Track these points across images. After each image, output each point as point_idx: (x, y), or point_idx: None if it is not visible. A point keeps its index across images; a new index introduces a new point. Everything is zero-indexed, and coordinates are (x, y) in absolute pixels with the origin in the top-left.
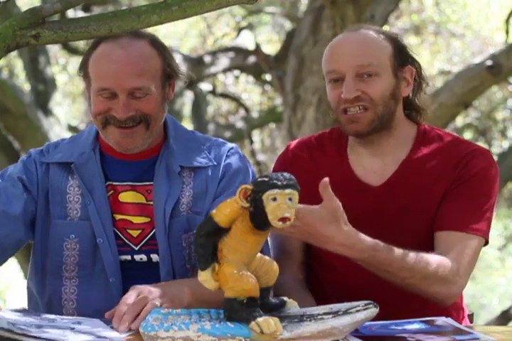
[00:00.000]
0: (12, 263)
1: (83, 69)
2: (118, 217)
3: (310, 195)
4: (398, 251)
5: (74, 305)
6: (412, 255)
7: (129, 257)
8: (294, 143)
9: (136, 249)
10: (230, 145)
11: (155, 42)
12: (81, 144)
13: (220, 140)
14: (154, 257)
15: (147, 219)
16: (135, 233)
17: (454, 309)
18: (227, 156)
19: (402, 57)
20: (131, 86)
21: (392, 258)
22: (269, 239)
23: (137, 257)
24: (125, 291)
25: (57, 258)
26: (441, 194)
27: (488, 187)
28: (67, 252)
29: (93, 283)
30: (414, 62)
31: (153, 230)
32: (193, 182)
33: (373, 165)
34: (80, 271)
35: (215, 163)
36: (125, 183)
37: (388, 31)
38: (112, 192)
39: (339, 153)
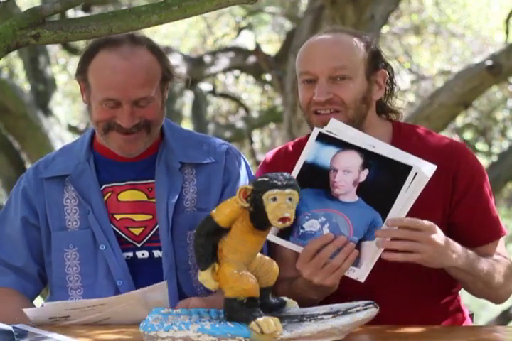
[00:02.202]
0: None
1: (81, 75)
2: (119, 216)
3: None
4: (478, 256)
5: None
6: (487, 259)
7: (131, 254)
8: (270, 153)
9: (139, 246)
10: (227, 144)
11: (153, 48)
12: (75, 155)
13: (216, 138)
14: (156, 253)
15: (149, 217)
16: (137, 231)
17: (457, 310)
18: (228, 155)
19: (375, 61)
20: (137, 96)
21: (479, 262)
22: None
23: (139, 253)
24: None
25: (59, 269)
26: (437, 198)
27: (486, 182)
28: (68, 262)
29: (98, 291)
30: (387, 67)
31: (156, 227)
32: (196, 179)
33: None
34: (83, 281)
35: (213, 160)
36: (125, 183)
37: (362, 34)
38: (109, 194)
39: None
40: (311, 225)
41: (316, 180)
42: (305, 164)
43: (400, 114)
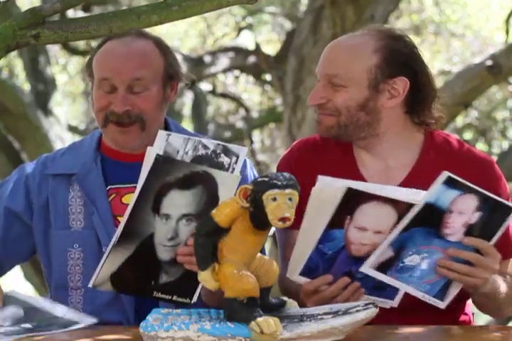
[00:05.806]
0: None
1: (88, 69)
2: (121, 218)
3: None
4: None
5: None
6: (502, 280)
7: None
8: (299, 142)
9: None
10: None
11: (159, 43)
12: (83, 153)
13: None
14: None
15: None
16: None
17: (463, 313)
18: None
19: (391, 67)
20: (131, 76)
21: (500, 285)
22: (276, 233)
23: None
24: None
25: (61, 268)
26: None
27: (508, 200)
28: (71, 262)
29: (98, 292)
30: (418, 72)
31: None
32: None
33: (376, 168)
34: (84, 281)
35: None
36: (130, 185)
37: (387, 37)
38: (114, 195)
39: (345, 153)
40: (411, 260)
41: (430, 220)
42: (425, 204)
43: (438, 122)
